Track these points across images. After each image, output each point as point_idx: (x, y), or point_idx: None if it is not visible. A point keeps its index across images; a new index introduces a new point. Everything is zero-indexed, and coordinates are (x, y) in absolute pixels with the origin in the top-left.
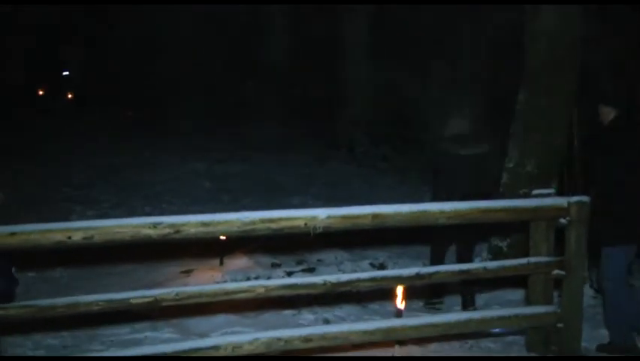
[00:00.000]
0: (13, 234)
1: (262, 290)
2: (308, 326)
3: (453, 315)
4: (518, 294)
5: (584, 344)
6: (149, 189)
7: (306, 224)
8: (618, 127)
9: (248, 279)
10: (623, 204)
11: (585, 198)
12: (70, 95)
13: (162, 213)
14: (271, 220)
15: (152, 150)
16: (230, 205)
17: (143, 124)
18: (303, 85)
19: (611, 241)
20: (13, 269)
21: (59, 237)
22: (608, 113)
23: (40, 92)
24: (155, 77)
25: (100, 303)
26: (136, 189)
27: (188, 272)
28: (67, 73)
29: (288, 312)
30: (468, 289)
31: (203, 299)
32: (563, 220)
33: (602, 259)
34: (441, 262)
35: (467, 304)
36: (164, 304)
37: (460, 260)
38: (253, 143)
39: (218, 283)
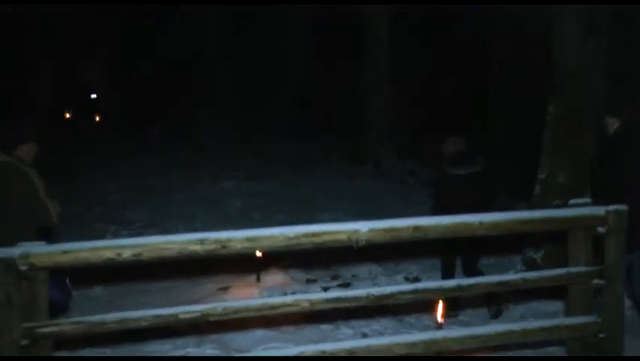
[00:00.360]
0: (65, 252)
1: (307, 304)
2: (347, 340)
3: (494, 327)
4: (554, 305)
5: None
6: (180, 208)
7: (348, 237)
8: (622, 137)
9: (285, 295)
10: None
11: (622, 207)
12: (97, 118)
13: (196, 232)
14: (314, 234)
15: (181, 169)
16: (262, 222)
17: (170, 142)
18: (327, 100)
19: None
20: (67, 280)
21: (109, 254)
22: (612, 124)
23: (67, 115)
24: (180, 95)
25: (148, 318)
26: (168, 209)
27: (225, 289)
28: (94, 96)
29: (325, 327)
30: (494, 300)
31: (250, 314)
32: (600, 229)
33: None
34: (452, 273)
35: (497, 315)
36: (211, 319)
37: (466, 272)
38: (280, 160)
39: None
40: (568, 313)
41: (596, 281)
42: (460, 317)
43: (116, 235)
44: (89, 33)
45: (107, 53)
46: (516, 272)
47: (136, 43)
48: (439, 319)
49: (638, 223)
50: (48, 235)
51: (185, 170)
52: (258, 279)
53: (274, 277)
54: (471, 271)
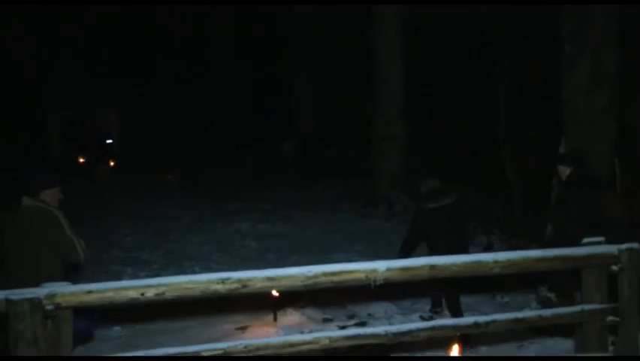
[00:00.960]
0: (89, 292)
1: (326, 341)
2: None
3: None
4: (568, 343)
5: None
6: (196, 250)
7: (366, 276)
8: (573, 183)
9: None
10: None
11: (636, 246)
12: (112, 162)
13: (212, 272)
14: (333, 274)
15: (195, 212)
16: (278, 263)
17: (184, 186)
18: (338, 144)
19: None
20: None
21: (133, 294)
22: (564, 171)
23: (81, 160)
24: (191, 140)
25: (172, 356)
26: (183, 251)
27: (243, 328)
28: (110, 141)
29: None
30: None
31: (270, 351)
32: (614, 267)
33: None
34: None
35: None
36: (234, 356)
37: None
38: (292, 202)
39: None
40: (582, 351)
41: (610, 318)
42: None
43: (133, 277)
44: (106, 80)
45: (123, 99)
46: (531, 310)
47: (149, 91)
48: (456, 354)
49: None
50: (75, 271)
51: (199, 213)
52: (275, 319)
53: (291, 317)
54: (452, 310)
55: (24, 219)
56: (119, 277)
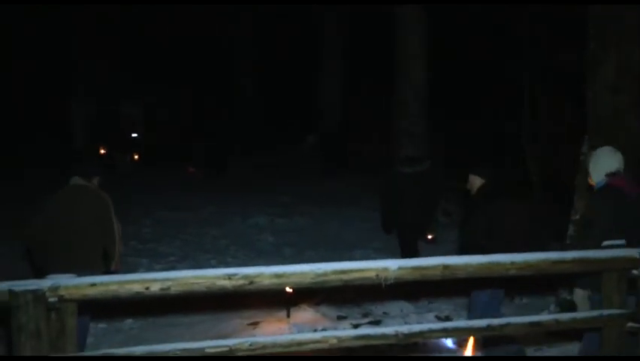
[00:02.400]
0: (93, 285)
1: (335, 341)
2: None
3: None
4: None
5: None
6: (213, 243)
7: (377, 275)
8: (484, 194)
9: (315, 331)
10: None
11: None
12: (136, 156)
13: (227, 266)
14: (343, 272)
15: (215, 205)
16: (294, 258)
17: (206, 179)
18: (361, 138)
19: None
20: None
21: (138, 288)
22: (474, 181)
23: (102, 151)
24: (216, 134)
25: (176, 352)
26: (200, 244)
27: (255, 324)
28: (135, 135)
29: None
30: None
31: (277, 350)
32: (635, 272)
33: None
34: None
35: None
36: (239, 354)
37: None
38: (312, 197)
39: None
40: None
41: (630, 324)
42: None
43: (149, 269)
44: (135, 74)
45: (150, 94)
46: (549, 313)
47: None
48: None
49: None
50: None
51: (219, 206)
52: (288, 315)
53: (304, 314)
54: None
55: (76, 195)
56: (134, 269)
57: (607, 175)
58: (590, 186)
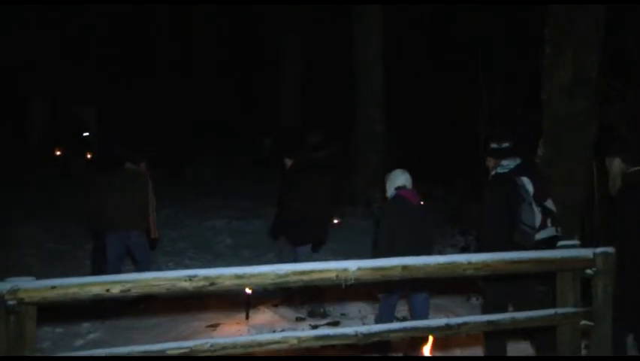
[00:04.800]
0: (53, 287)
1: (295, 341)
2: None
3: None
4: None
5: None
6: (170, 245)
7: (337, 276)
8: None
9: (274, 332)
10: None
11: (610, 250)
12: (89, 155)
13: (186, 268)
14: (303, 273)
15: (171, 208)
16: (252, 261)
17: (161, 182)
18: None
19: None
20: None
21: (98, 290)
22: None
23: (58, 152)
24: (173, 135)
25: (137, 354)
26: (159, 246)
27: (214, 326)
28: (87, 134)
29: None
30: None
31: (237, 350)
32: (589, 271)
33: None
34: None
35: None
36: (200, 355)
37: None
38: (270, 199)
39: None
40: (556, 354)
41: (583, 322)
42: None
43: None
44: (88, 73)
45: (102, 92)
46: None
47: (128, 86)
48: (427, 355)
49: None
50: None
51: (175, 209)
52: (247, 317)
53: (263, 316)
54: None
55: (127, 175)
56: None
57: (396, 189)
58: (385, 198)
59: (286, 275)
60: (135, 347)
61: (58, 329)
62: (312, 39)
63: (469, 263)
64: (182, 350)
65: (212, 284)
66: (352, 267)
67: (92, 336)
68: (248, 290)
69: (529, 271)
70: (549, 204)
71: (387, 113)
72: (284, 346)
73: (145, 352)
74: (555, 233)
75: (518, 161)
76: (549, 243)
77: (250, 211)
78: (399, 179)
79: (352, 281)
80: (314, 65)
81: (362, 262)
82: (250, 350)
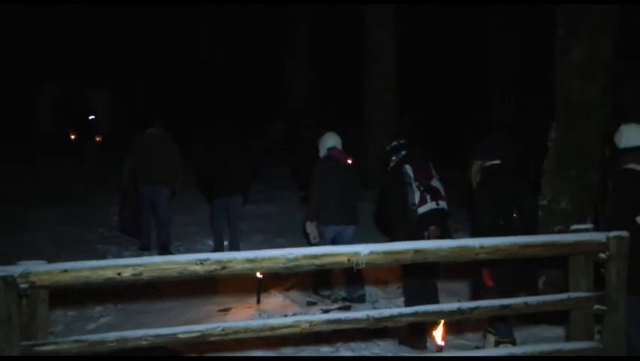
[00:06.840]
0: (65, 271)
1: (307, 325)
2: None
3: (495, 350)
4: (555, 331)
5: None
6: (182, 229)
7: (349, 260)
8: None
9: (285, 316)
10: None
11: (624, 233)
12: (98, 139)
13: (198, 252)
14: (315, 257)
15: (183, 191)
16: (264, 245)
17: None
18: (329, 126)
19: None
20: None
21: (109, 273)
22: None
23: (72, 137)
24: (180, 115)
25: (148, 338)
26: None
27: (225, 310)
28: (92, 117)
29: (325, 349)
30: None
31: (249, 334)
32: (602, 255)
33: None
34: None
35: None
36: (211, 339)
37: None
38: (281, 184)
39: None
40: (569, 338)
41: (597, 307)
42: (461, 341)
43: (118, 256)
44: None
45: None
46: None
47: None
48: (440, 342)
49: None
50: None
51: (186, 192)
52: (259, 301)
53: (274, 300)
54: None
55: (155, 137)
56: (103, 256)
57: (328, 149)
58: (318, 157)
59: (297, 259)
60: (147, 330)
61: (71, 313)
62: (323, 26)
63: (482, 247)
64: (193, 334)
65: (223, 268)
66: (364, 251)
67: (103, 320)
68: (259, 274)
69: (540, 255)
70: (434, 182)
71: (397, 98)
72: (295, 330)
73: (156, 335)
74: (435, 207)
75: (403, 153)
76: (433, 215)
77: (261, 195)
78: (329, 140)
79: (364, 265)
80: (324, 49)
81: (374, 246)
82: (262, 333)
